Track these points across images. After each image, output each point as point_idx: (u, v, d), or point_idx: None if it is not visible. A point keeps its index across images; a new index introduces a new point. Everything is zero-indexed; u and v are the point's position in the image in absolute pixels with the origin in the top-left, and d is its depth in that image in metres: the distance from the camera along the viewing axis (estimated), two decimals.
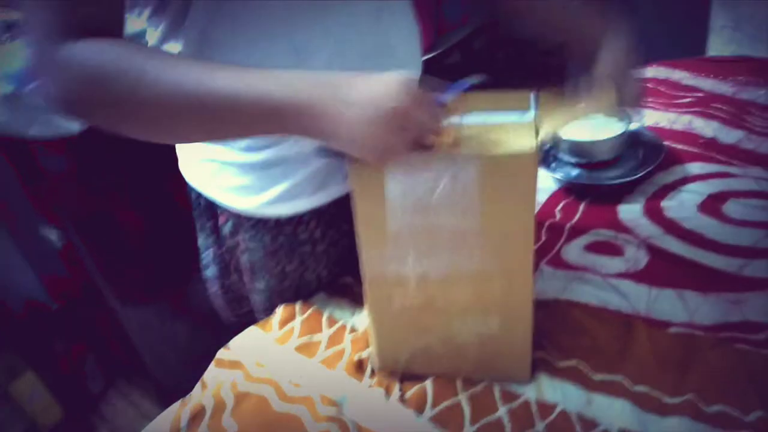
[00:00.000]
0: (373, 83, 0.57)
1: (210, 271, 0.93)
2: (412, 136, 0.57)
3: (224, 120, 0.59)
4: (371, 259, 0.67)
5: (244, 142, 0.75)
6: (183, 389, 1.44)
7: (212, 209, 0.85)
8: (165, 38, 0.68)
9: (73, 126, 0.92)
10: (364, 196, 0.63)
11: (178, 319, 1.51)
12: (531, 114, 0.65)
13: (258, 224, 0.82)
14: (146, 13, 0.68)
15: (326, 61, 0.69)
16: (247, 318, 0.94)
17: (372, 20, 0.72)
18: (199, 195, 0.85)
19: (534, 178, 0.59)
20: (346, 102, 0.56)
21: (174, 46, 0.68)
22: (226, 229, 0.85)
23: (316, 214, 0.81)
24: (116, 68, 0.57)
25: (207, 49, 0.67)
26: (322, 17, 0.68)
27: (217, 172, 0.79)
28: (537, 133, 0.61)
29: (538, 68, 2.42)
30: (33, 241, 1.47)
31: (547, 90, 0.73)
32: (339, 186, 0.79)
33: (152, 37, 0.69)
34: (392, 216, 0.63)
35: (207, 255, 0.92)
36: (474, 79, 0.64)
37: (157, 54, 0.63)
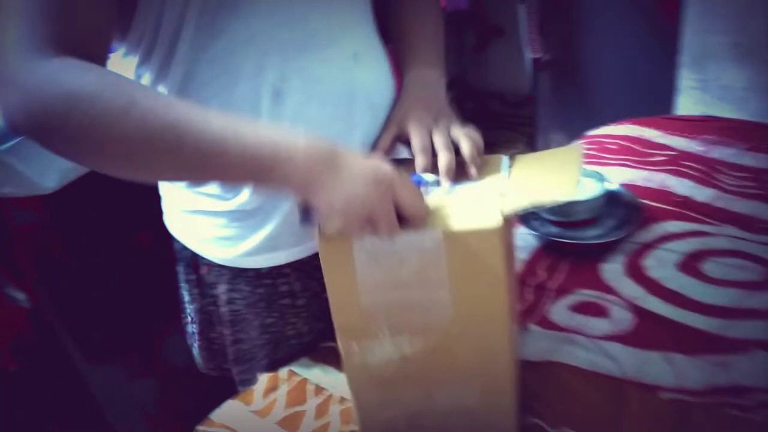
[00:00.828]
0: (361, 156, 0.59)
1: (192, 327, 0.91)
2: (393, 212, 0.58)
3: (209, 163, 0.56)
4: (345, 334, 0.66)
5: (220, 190, 0.74)
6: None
7: (195, 260, 0.84)
8: (153, 84, 0.68)
9: (48, 184, 0.89)
10: (334, 271, 0.62)
11: (146, 377, 1.45)
12: (502, 182, 0.65)
13: (238, 275, 0.81)
14: (134, 60, 0.67)
15: (300, 102, 0.70)
16: (229, 372, 0.92)
17: (347, 65, 0.73)
18: (183, 247, 0.84)
19: (501, 252, 0.58)
20: (338, 165, 0.57)
21: (161, 89, 0.68)
22: (208, 280, 0.84)
23: (297, 266, 0.80)
24: (101, 92, 0.53)
25: (190, 91, 0.67)
26: (297, 59, 0.69)
27: (197, 222, 0.79)
28: (509, 202, 0.60)
29: (507, 120, 2.49)
30: None
31: (515, 147, 0.74)
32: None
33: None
34: (363, 291, 0.62)
35: (191, 309, 0.90)
36: (430, 178, 0.66)
37: (144, 87, 0.62)
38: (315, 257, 0.77)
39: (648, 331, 0.83)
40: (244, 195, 0.73)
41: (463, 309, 0.61)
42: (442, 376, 0.66)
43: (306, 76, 0.69)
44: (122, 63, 0.68)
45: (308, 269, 0.81)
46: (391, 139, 0.73)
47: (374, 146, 0.74)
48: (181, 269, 0.88)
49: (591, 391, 0.75)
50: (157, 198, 0.86)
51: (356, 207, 0.56)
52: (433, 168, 0.67)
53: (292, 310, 0.84)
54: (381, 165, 0.58)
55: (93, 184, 1.10)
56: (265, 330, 0.84)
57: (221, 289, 0.83)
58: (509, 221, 0.62)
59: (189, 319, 0.91)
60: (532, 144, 2.23)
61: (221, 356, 0.92)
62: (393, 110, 0.76)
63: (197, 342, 0.92)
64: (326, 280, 0.63)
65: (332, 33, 0.71)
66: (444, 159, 0.66)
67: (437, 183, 0.66)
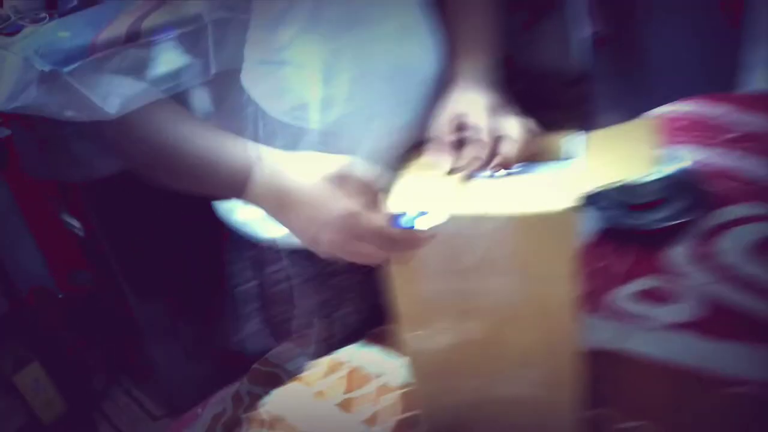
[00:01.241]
0: (313, 195, 0.57)
1: (249, 306, 0.92)
2: (375, 244, 0.56)
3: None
4: (406, 320, 0.64)
5: None
6: (188, 389, 1.40)
7: (249, 240, 0.85)
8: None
9: (110, 109, 0.89)
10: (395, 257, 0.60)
11: (190, 318, 1.47)
12: (574, 162, 0.62)
13: (291, 255, 0.81)
14: None
15: (352, 79, 0.69)
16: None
17: (396, 39, 0.72)
18: (236, 228, 0.85)
19: (572, 236, 0.56)
20: (295, 205, 0.58)
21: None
22: (264, 257, 0.85)
23: None
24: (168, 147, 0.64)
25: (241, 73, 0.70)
26: (346, 36, 0.68)
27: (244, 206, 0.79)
28: (581, 183, 0.58)
29: (558, 99, 2.42)
30: (48, 226, 1.45)
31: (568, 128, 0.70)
32: None
33: None
34: (425, 278, 0.61)
35: (247, 287, 0.91)
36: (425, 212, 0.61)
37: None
38: None
39: (721, 321, 0.79)
40: None
41: (529, 296, 0.59)
42: (505, 364, 0.65)
43: (356, 53, 0.69)
44: None
45: None
46: (449, 126, 0.70)
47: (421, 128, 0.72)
48: (235, 248, 0.89)
49: (661, 382, 0.72)
50: None
51: (336, 248, 0.57)
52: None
53: (345, 287, 0.84)
54: (334, 196, 0.56)
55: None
56: (319, 308, 0.85)
57: (277, 267, 0.83)
58: (580, 203, 0.59)
59: (244, 298, 0.92)
60: (585, 125, 2.15)
61: (276, 335, 0.93)
62: (445, 95, 0.74)
63: (257, 320, 0.93)
64: (390, 267, 0.61)
65: (379, 7, 0.70)
66: (504, 149, 0.64)
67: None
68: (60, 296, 1.56)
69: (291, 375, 0.80)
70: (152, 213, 1.29)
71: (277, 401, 0.78)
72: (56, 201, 1.35)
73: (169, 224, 1.31)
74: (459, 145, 0.69)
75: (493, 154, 0.65)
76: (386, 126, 0.76)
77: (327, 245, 0.57)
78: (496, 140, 0.66)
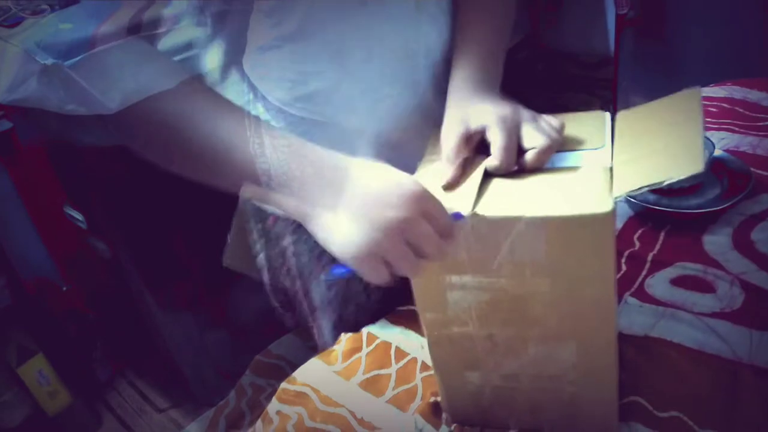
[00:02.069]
0: (374, 183, 0.52)
1: (265, 276, 0.90)
2: (417, 251, 0.51)
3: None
4: (431, 322, 0.61)
5: None
6: (193, 382, 1.39)
7: (260, 212, 0.83)
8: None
9: (111, 104, 0.88)
10: None
11: (197, 310, 1.46)
12: (607, 153, 0.57)
13: (301, 227, 0.78)
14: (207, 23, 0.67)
15: (362, 59, 0.67)
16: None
17: (410, 20, 0.69)
18: (248, 199, 0.82)
19: (611, 238, 0.51)
20: (339, 201, 0.52)
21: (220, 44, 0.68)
22: (275, 231, 0.83)
23: None
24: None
25: (251, 50, 0.67)
26: (357, 15, 0.66)
27: None
28: (621, 182, 0.52)
29: (582, 82, 2.37)
30: (51, 218, 1.45)
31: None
32: None
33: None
34: (451, 280, 0.57)
35: (261, 258, 0.88)
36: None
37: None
38: None
39: (761, 310, 0.76)
40: None
41: (564, 300, 0.56)
42: (537, 364, 0.61)
43: (367, 33, 0.67)
44: None
45: None
46: (460, 138, 0.62)
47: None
48: (248, 221, 0.87)
49: (699, 371, 0.69)
50: None
51: (367, 256, 0.51)
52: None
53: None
54: (390, 199, 0.50)
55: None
56: (331, 284, 0.83)
57: (288, 241, 0.82)
58: (615, 208, 0.55)
59: (261, 268, 0.91)
60: (609, 108, 2.11)
61: (294, 308, 0.91)
62: (450, 101, 0.67)
63: (271, 291, 0.92)
64: None
65: None
66: (530, 162, 0.58)
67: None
68: (64, 289, 1.55)
69: (295, 367, 0.78)
70: (155, 203, 1.27)
71: (299, 379, 0.76)
72: (59, 193, 1.34)
73: (172, 214, 1.30)
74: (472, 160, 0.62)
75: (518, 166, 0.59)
76: (394, 108, 0.73)
77: (382, 231, 0.51)
78: (519, 153, 0.60)
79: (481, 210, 0.53)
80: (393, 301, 0.87)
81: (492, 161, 0.58)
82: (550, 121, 0.62)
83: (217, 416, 0.69)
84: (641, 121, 0.61)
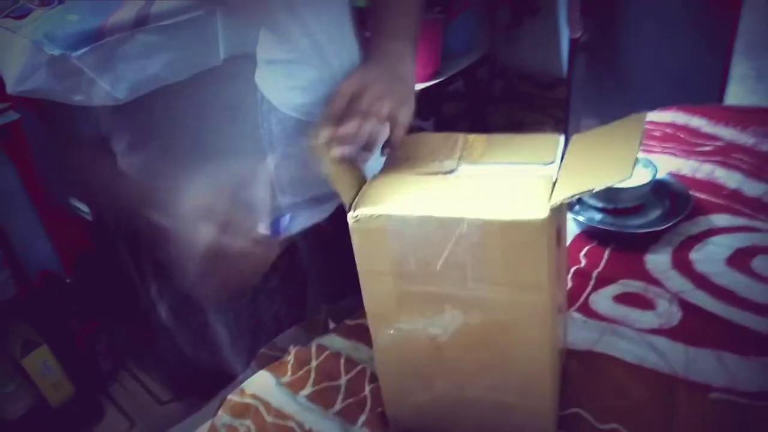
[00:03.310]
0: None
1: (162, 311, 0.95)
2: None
3: None
4: (377, 319, 0.62)
5: None
6: (195, 375, 1.36)
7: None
8: None
9: (119, 94, 0.87)
10: (367, 256, 0.59)
11: (198, 303, 1.45)
12: (553, 167, 0.60)
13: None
14: None
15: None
16: None
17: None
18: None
19: (546, 245, 0.54)
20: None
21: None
22: None
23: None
24: None
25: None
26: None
27: None
28: (560, 190, 0.55)
29: (535, 101, 2.44)
30: (56, 210, 1.42)
31: (542, 130, 0.68)
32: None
33: None
34: (396, 280, 0.59)
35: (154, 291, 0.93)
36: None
37: None
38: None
39: (697, 328, 0.79)
40: None
41: (503, 304, 0.57)
42: (477, 369, 0.63)
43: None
44: None
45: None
46: (339, 99, 0.68)
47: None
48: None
49: (638, 386, 0.71)
50: None
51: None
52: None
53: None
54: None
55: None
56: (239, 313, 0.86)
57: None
58: (559, 209, 0.57)
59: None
60: (560, 128, 2.18)
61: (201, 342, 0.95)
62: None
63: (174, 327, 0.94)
64: (358, 264, 0.60)
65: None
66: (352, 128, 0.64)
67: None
68: (68, 281, 1.53)
69: (268, 404, 0.77)
70: None
71: (248, 391, 0.75)
72: (65, 185, 1.32)
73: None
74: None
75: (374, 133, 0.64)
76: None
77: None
78: (386, 121, 0.65)
79: (426, 211, 0.55)
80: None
81: (349, 124, 0.64)
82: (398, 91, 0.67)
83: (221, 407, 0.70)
84: (590, 142, 0.64)
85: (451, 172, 0.62)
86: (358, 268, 0.59)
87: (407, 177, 0.62)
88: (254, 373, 0.75)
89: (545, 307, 0.56)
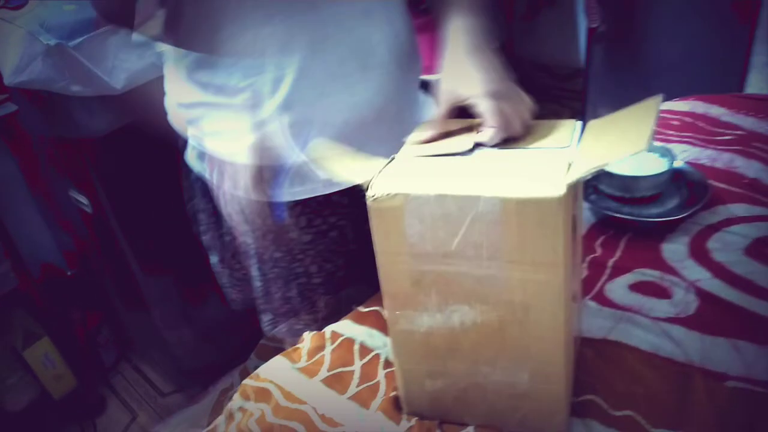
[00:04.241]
0: None
1: (213, 257, 0.93)
2: None
3: None
4: (393, 299, 0.63)
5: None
6: (197, 366, 1.39)
7: (208, 190, 0.84)
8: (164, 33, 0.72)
9: (116, 84, 0.87)
10: (384, 236, 0.59)
11: (199, 294, 1.46)
12: (570, 150, 0.60)
13: (247, 206, 0.80)
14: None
15: (305, 57, 0.70)
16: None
17: (357, 22, 0.72)
18: (197, 178, 0.85)
19: (563, 223, 0.54)
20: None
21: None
22: (224, 211, 0.83)
23: (301, 202, 0.80)
24: None
25: (198, 36, 0.70)
26: (305, 14, 0.68)
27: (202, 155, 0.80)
28: (576, 169, 0.55)
29: (552, 93, 2.41)
30: (56, 203, 1.44)
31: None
32: (314, 184, 0.78)
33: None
34: (412, 259, 0.59)
35: (206, 239, 0.92)
36: None
37: None
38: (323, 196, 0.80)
39: (713, 316, 0.79)
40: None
41: (518, 282, 0.57)
42: (492, 351, 0.63)
43: (313, 32, 0.69)
44: None
45: (314, 206, 0.82)
46: (447, 107, 0.67)
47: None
48: (196, 200, 0.89)
49: (653, 373, 0.71)
50: None
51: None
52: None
53: (298, 246, 0.84)
54: None
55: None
56: (275, 265, 0.85)
57: (234, 222, 0.82)
58: (575, 190, 0.57)
59: (208, 248, 0.93)
60: (578, 119, 2.14)
61: (243, 287, 0.94)
62: (446, 59, 0.70)
63: (220, 271, 0.95)
64: (375, 242, 0.60)
65: None
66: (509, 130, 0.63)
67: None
68: (69, 273, 1.55)
69: (283, 388, 0.78)
70: (160, 189, 1.27)
71: (263, 376, 0.76)
72: (64, 178, 1.33)
73: (177, 199, 1.30)
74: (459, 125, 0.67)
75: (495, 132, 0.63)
76: (338, 104, 0.74)
77: None
78: (499, 120, 0.63)
79: (444, 189, 0.55)
80: (336, 284, 0.89)
81: (482, 137, 0.63)
82: (525, 100, 0.66)
83: (222, 399, 0.69)
84: (605, 125, 0.64)
85: (467, 153, 0.62)
86: (375, 248, 0.60)
87: (424, 158, 0.63)
88: (254, 363, 0.75)
89: (560, 286, 0.56)
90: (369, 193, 0.57)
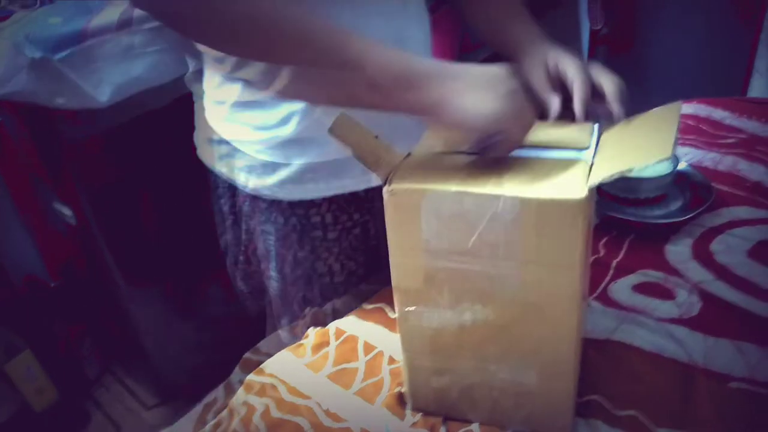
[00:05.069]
0: (489, 69, 0.58)
1: (229, 259, 0.93)
2: (524, 124, 0.59)
3: (321, 59, 0.59)
4: (404, 295, 0.62)
5: (260, 121, 0.75)
6: (181, 379, 1.38)
7: (232, 192, 0.85)
8: None
9: (101, 98, 0.87)
10: (398, 229, 0.59)
11: (183, 307, 1.45)
12: (589, 152, 0.60)
13: (272, 206, 0.81)
14: None
15: None
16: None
17: (396, 14, 0.72)
18: (218, 177, 0.85)
19: (582, 225, 0.53)
20: (455, 74, 0.57)
21: None
22: (244, 211, 0.84)
23: (328, 199, 0.81)
24: None
25: None
26: (343, 10, 0.67)
27: (233, 152, 0.79)
28: (597, 171, 0.55)
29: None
30: (40, 215, 1.43)
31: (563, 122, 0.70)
32: (352, 180, 0.79)
33: None
34: (427, 256, 0.59)
35: (226, 240, 0.91)
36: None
37: None
38: (348, 194, 0.81)
39: (716, 318, 0.79)
40: (285, 126, 0.74)
41: (532, 283, 0.57)
42: (501, 350, 0.63)
43: (354, 18, 0.69)
44: None
45: (341, 202, 0.82)
46: (545, 76, 0.72)
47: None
48: (215, 199, 0.89)
49: (656, 374, 0.71)
50: None
51: (489, 110, 0.56)
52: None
53: (323, 243, 0.84)
54: (506, 76, 0.57)
55: (146, 111, 1.08)
56: (297, 265, 0.85)
57: (255, 222, 0.83)
58: (592, 194, 0.57)
59: (226, 251, 0.93)
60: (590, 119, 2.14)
61: (258, 291, 0.94)
62: (524, 45, 0.76)
63: (236, 274, 0.94)
64: (389, 237, 0.59)
65: None
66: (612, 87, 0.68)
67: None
68: (52, 285, 1.53)
69: (287, 383, 0.78)
70: (145, 201, 1.27)
71: (267, 370, 0.76)
72: (48, 189, 1.32)
73: (162, 212, 1.30)
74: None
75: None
76: None
77: (495, 114, 0.56)
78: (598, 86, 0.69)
79: (463, 186, 0.55)
80: (355, 282, 0.89)
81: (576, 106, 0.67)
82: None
83: (205, 413, 0.68)
84: (624, 130, 0.64)
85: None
86: (389, 242, 0.59)
87: (443, 155, 0.62)
88: (238, 377, 0.75)
89: (575, 288, 0.56)
90: (386, 188, 0.57)
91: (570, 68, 0.71)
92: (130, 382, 1.64)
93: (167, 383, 1.51)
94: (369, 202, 0.84)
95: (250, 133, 0.77)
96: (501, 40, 0.81)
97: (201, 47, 0.76)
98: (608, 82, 0.69)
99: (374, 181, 0.59)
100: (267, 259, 0.86)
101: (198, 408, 0.70)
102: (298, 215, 0.81)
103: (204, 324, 1.48)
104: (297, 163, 0.77)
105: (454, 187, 0.55)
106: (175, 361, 1.48)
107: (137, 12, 0.87)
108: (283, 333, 0.86)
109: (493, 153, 0.59)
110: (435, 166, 0.60)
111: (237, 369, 0.74)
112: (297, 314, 0.89)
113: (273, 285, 0.89)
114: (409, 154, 0.63)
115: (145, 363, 1.50)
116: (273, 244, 0.84)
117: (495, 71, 0.58)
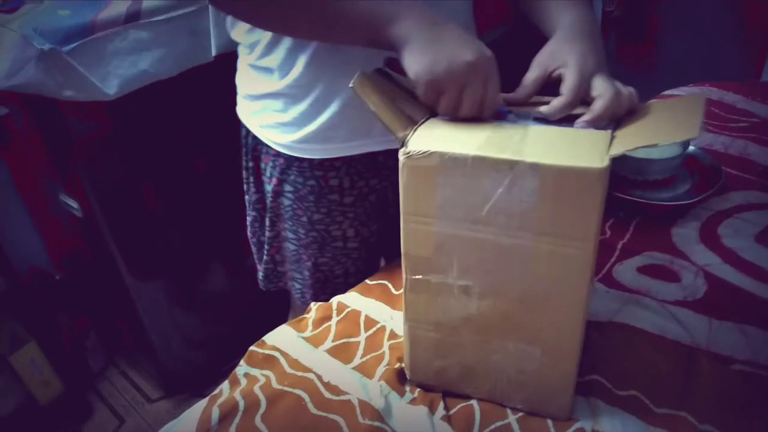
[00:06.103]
0: (463, 38, 0.60)
1: (249, 216, 0.95)
2: (476, 92, 0.58)
3: (334, 26, 0.64)
4: (413, 263, 0.61)
5: (288, 80, 0.76)
6: (185, 372, 1.39)
7: (255, 148, 0.86)
8: None
9: (109, 90, 0.87)
10: (413, 195, 0.57)
11: (189, 301, 1.46)
12: (609, 130, 0.59)
13: (292, 165, 0.82)
14: None
15: None
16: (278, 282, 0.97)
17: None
18: (247, 133, 0.86)
19: (600, 197, 0.52)
20: (437, 26, 0.59)
21: None
22: (264, 170, 0.86)
23: (348, 161, 0.81)
24: None
25: None
26: None
27: (260, 106, 0.81)
28: (620, 143, 0.54)
29: None
30: (46, 207, 1.43)
31: None
32: (371, 140, 0.79)
33: None
34: (439, 223, 0.58)
35: (248, 199, 0.93)
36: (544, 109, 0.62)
37: None
38: (366, 157, 0.81)
39: (721, 301, 0.78)
40: (297, 71, 0.75)
41: (544, 258, 0.56)
42: (506, 326, 0.62)
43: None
44: None
45: (359, 167, 0.82)
46: (539, 74, 0.66)
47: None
48: (245, 157, 0.90)
49: (659, 355, 0.71)
50: (214, 123, 0.81)
51: (448, 78, 0.57)
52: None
53: (339, 207, 0.84)
54: (477, 47, 0.58)
55: (153, 105, 1.08)
56: (312, 227, 0.85)
57: (275, 181, 0.84)
58: (608, 168, 0.56)
59: (249, 209, 0.94)
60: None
61: (274, 253, 0.94)
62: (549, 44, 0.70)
63: (251, 235, 0.95)
64: (402, 203, 0.58)
65: None
66: (603, 104, 0.60)
67: (544, 121, 0.61)
68: (57, 277, 1.54)
69: (288, 356, 0.78)
70: (151, 194, 1.27)
71: (269, 343, 0.76)
72: (55, 182, 1.32)
73: (167, 205, 1.29)
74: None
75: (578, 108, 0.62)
76: None
77: (456, 73, 0.58)
78: (591, 98, 0.62)
79: (481, 151, 0.54)
80: (367, 250, 0.90)
81: (546, 108, 0.62)
82: (623, 91, 0.63)
83: (210, 406, 0.68)
84: (645, 111, 0.63)
85: (509, 121, 0.61)
86: (402, 207, 0.58)
87: (461, 122, 0.61)
88: (243, 370, 0.75)
89: (587, 262, 0.55)
90: (403, 150, 0.55)
91: (569, 73, 0.64)
92: (134, 374, 1.65)
93: (172, 376, 1.52)
94: (388, 170, 0.84)
95: (271, 84, 0.78)
96: (540, 19, 0.78)
97: None
98: (605, 95, 0.61)
99: (395, 144, 0.58)
100: (283, 220, 0.87)
101: (203, 401, 0.70)
102: (316, 176, 0.82)
103: (209, 317, 1.49)
104: (318, 120, 0.77)
105: (472, 151, 0.54)
106: (179, 354, 1.49)
107: (145, 5, 0.86)
108: (288, 327, 0.86)
109: (447, 111, 0.60)
110: (454, 131, 0.59)
111: (242, 362, 0.74)
112: (307, 282, 0.89)
113: (288, 248, 0.90)
114: (428, 117, 0.62)
115: (149, 356, 1.51)
116: (290, 205, 0.85)
117: (470, 43, 0.59)
